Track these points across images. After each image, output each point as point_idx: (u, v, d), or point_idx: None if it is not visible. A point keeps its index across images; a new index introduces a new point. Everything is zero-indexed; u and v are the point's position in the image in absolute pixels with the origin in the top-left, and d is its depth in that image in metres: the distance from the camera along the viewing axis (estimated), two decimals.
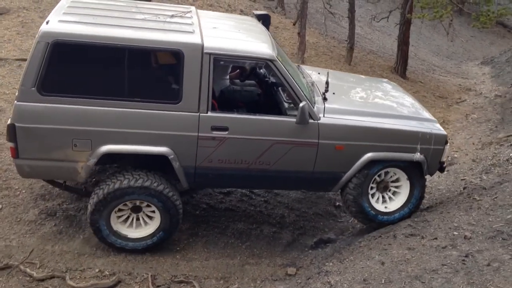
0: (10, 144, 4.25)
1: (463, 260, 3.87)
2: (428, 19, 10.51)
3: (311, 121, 4.54)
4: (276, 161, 4.62)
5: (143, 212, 4.67)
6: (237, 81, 5.52)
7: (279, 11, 16.49)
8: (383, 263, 4.16)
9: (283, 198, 6.09)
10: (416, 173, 5.06)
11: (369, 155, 4.76)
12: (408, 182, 5.10)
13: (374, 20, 12.56)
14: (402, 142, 4.84)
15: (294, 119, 4.49)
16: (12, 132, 4.18)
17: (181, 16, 4.80)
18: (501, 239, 4.11)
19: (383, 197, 5.18)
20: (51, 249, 4.72)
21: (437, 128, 5.08)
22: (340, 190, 5.07)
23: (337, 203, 6.36)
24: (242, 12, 13.07)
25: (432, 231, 4.56)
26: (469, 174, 6.85)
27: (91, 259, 4.66)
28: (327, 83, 4.86)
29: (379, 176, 5.03)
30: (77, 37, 4.10)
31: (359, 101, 5.25)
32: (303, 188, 5.29)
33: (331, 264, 4.53)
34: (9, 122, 4.21)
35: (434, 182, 7.23)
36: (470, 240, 4.20)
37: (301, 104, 4.41)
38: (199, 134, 4.41)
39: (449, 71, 15.26)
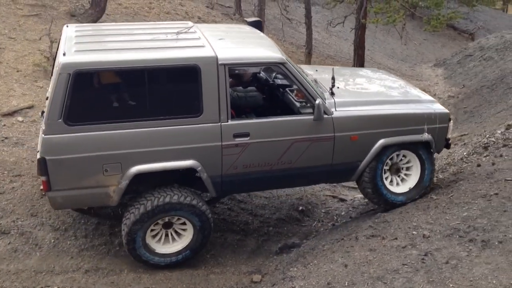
0: (42, 178, 4.27)
1: (423, 259, 3.96)
2: (382, 23, 10.80)
3: (325, 116, 4.75)
4: (297, 159, 4.81)
5: (173, 229, 4.74)
6: (239, 88, 5.62)
7: (237, 17, 16.55)
8: (346, 266, 4.21)
9: (246, 205, 6.08)
10: (424, 153, 5.24)
11: (382, 141, 4.98)
12: (418, 162, 5.28)
13: (330, 25, 12.80)
14: (410, 125, 5.07)
15: (309, 117, 4.72)
16: (43, 165, 4.19)
17: (186, 32, 4.97)
18: (458, 236, 4.23)
19: (396, 179, 5.37)
20: (6, 268, 4.53)
21: (439, 108, 5.33)
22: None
23: (300, 208, 6.41)
24: (200, 19, 13.03)
25: (392, 232, 4.65)
26: None
27: (49, 276, 4.51)
28: (333, 78, 5.04)
29: (391, 159, 5.23)
30: (97, 65, 4.20)
31: (363, 92, 5.45)
32: (324, 181, 5.47)
33: (295, 269, 4.55)
34: (38, 156, 4.22)
35: None
36: (429, 238, 4.31)
37: (317, 102, 4.65)
38: (223, 143, 4.56)
39: (404, 74, 15.71)
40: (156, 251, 4.68)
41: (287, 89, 5.20)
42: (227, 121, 4.54)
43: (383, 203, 5.37)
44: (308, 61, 12.49)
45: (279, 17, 13.99)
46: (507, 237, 4.05)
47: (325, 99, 4.88)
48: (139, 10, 11.77)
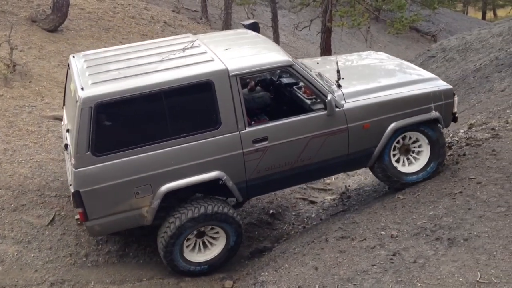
0: (78, 210, 4.40)
1: (391, 259, 4.00)
2: (347, 27, 10.93)
3: (337, 109, 4.87)
4: (315, 154, 4.96)
5: (206, 238, 4.91)
6: (245, 90, 5.64)
7: (203, 21, 16.50)
8: (316, 268, 4.22)
9: None
10: (430, 130, 5.28)
11: (393, 125, 5.08)
12: (427, 141, 5.33)
13: (296, 29, 12.87)
14: (418, 105, 5.15)
15: (321, 113, 4.85)
16: (78, 198, 4.34)
17: (191, 47, 5.07)
18: (425, 235, 4.30)
19: (407, 159, 5.40)
20: None
21: (443, 85, 5.39)
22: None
23: (271, 211, 6.40)
24: (166, 24, 12.92)
25: (361, 232, 4.69)
26: None
27: None
28: (338, 71, 5.08)
29: (397, 142, 5.28)
30: (116, 94, 4.33)
31: (367, 79, 5.50)
32: (343, 171, 5.69)
33: (266, 273, 4.53)
34: (72, 190, 4.36)
35: (362, 183, 7.48)
36: (397, 238, 4.36)
37: (328, 98, 4.78)
38: (244, 150, 4.71)
39: None
40: (195, 260, 4.84)
41: (294, 87, 5.36)
42: (245, 129, 4.69)
43: (396, 184, 5.42)
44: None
45: (242, 21, 13.99)
46: (472, 234, 4.14)
47: (333, 93, 4.98)
48: (103, 15, 11.56)
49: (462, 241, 4.08)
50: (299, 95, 5.24)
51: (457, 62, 14.06)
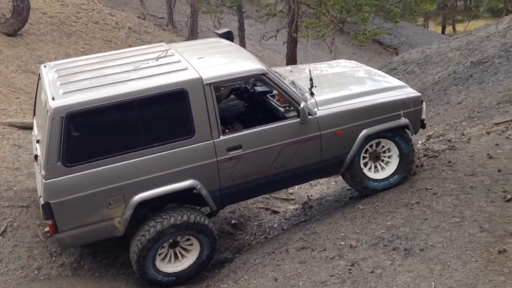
0: (48, 222, 4.31)
1: (350, 270, 4.04)
2: (312, 38, 11.07)
3: (310, 117, 4.93)
4: (288, 162, 5.01)
5: (179, 247, 4.86)
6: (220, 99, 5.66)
7: (170, 29, 16.40)
8: (276, 280, 4.21)
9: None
10: (399, 137, 5.39)
11: (364, 132, 5.18)
12: (398, 153, 5.44)
13: (263, 38, 12.95)
14: (388, 112, 5.28)
15: (295, 121, 4.91)
16: (48, 210, 4.25)
17: (165, 56, 5.04)
18: (382, 245, 4.36)
19: (376, 166, 5.50)
20: None
21: (411, 92, 5.54)
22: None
23: (233, 221, 6.36)
24: (130, 30, 12.76)
25: (321, 243, 4.71)
26: None
27: None
28: (311, 79, 5.17)
29: (370, 147, 5.38)
30: (87, 104, 4.27)
31: (339, 87, 5.59)
32: (316, 178, 5.70)
33: (226, 285, 4.49)
34: (42, 202, 4.28)
35: (324, 193, 7.54)
36: (356, 248, 4.41)
37: (301, 106, 4.84)
38: (218, 158, 4.71)
39: None
40: (165, 271, 4.78)
41: (268, 95, 5.40)
42: (219, 137, 4.70)
43: (365, 190, 5.50)
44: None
45: (213, 29, 13.98)
46: (428, 244, 4.23)
47: (306, 100, 5.04)
48: (65, 19, 11.31)
49: (418, 251, 4.16)
50: (273, 103, 5.29)
51: (417, 75, 14.46)
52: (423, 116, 5.60)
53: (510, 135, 6.19)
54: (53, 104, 4.22)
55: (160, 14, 18.07)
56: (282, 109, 5.10)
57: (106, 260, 5.07)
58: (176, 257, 4.87)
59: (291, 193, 7.86)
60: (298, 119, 4.89)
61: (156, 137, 4.51)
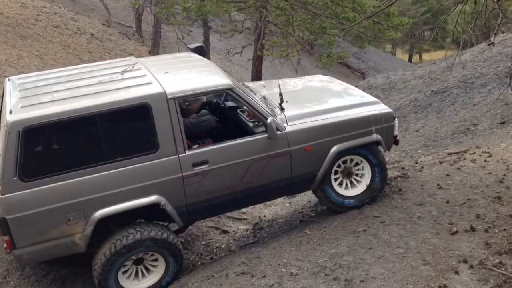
0: (5, 238, 4.19)
1: None
2: (276, 56, 11.03)
3: (278, 132, 4.85)
4: (257, 177, 4.90)
5: (144, 265, 4.72)
6: (193, 114, 5.59)
7: (136, 38, 16.12)
8: None
9: None
10: (371, 155, 5.32)
11: (335, 148, 5.09)
12: (370, 170, 5.36)
13: (228, 54, 12.84)
14: (359, 128, 5.21)
15: (263, 136, 4.82)
16: (4, 226, 4.14)
17: (131, 70, 4.97)
18: (323, 274, 4.20)
19: (349, 182, 5.41)
20: None
21: (383, 108, 5.48)
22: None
23: (180, 240, 6.09)
24: (92, 36, 12.42)
25: (262, 268, 4.52)
26: (307, 206, 7.10)
27: None
28: (280, 95, 5.15)
29: (343, 162, 5.31)
30: (46, 118, 4.16)
31: (311, 102, 5.51)
32: (287, 194, 5.64)
33: None
34: None
35: (276, 214, 7.38)
36: (296, 277, 4.23)
37: (268, 121, 4.75)
38: (183, 174, 4.61)
39: None
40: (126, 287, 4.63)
41: (238, 110, 5.34)
42: (185, 152, 4.62)
43: (335, 206, 5.38)
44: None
45: (185, 43, 13.79)
46: (369, 276, 4.10)
47: (276, 116, 4.97)
48: (23, 21, 10.89)
49: (358, 282, 4.02)
50: (243, 118, 5.22)
51: (381, 100, 14.64)
52: (396, 132, 5.56)
53: (461, 166, 6.20)
54: (10, 118, 4.13)
55: (128, 23, 17.78)
56: (251, 124, 5.02)
57: (34, 277, 4.73)
58: (143, 273, 4.73)
59: (244, 213, 7.69)
60: (266, 135, 4.81)
61: (119, 152, 4.42)
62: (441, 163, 6.51)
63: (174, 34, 16.28)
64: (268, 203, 7.96)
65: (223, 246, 6.41)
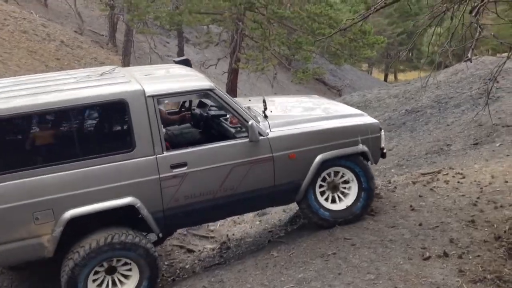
0: None
1: None
2: (251, 70, 10.85)
3: (261, 138, 4.75)
4: (239, 184, 4.73)
5: (117, 274, 4.43)
6: (174, 126, 5.56)
7: (110, 47, 15.76)
8: None
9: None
10: (360, 167, 5.19)
11: (320, 157, 4.96)
12: (355, 180, 5.22)
13: (203, 66, 12.61)
14: (344, 137, 5.10)
15: (245, 140, 4.70)
16: None
17: (110, 73, 4.87)
18: None
19: (334, 197, 5.25)
20: None
21: (369, 120, 5.41)
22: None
23: None
24: (62, 43, 12.02)
25: None
26: (277, 225, 6.85)
27: None
28: (264, 101, 5.08)
29: (328, 175, 5.16)
30: (14, 110, 4.00)
31: (296, 114, 5.47)
32: (271, 204, 5.39)
33: None
34: None
35: (245, 233, 7.11)
36: None
37: (249, 122, 4.63)
38: (160, 175, 4.43)
39: None
40: None
41: (221, 118, 5.24)
42: (162, 153, 4.44)
43: (322, 222, 5.17)
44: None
45: (149, 51, 13.51)
46: None
47: (258, 122, 4.88)
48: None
49: None
50: (224, 124, 5.13)
51: None
52: (383, 144, 5.45)
53: (434, 187, 6.05)
54: None
55: (103, 31, 17.42)
56: (233, 130, 4.92)
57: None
58: (114, 284, 4.43)
59: (211, 230, 7.40)
60: (248, 139, 4.69)
61: (93, 149, 4.25)
62: (414, 183, 6.36)
63: (149, 44, 16.01)
64: (238, 220, 7.70)
65: (187, 266, 6.10)
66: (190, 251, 6.55)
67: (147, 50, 16.35)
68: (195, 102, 6.08)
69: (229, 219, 7.69)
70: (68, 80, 4.65)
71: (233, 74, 12.58)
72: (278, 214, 7.47)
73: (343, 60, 16.61)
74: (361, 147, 5.17)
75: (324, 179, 5.20)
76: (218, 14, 11.13)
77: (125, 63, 10.12)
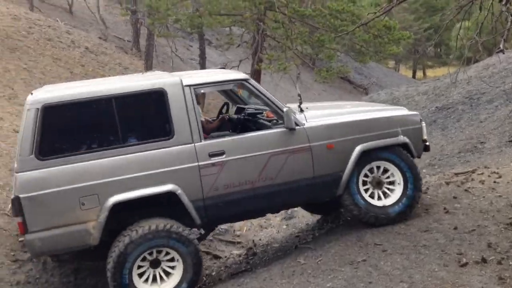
0: (18, 220, 4.16)
1: None
2: (273, 70, 10.68)
3: (297, 127, 4.78)
4: (278, 174, 4.73)
5: (161, 268, 4.47)
6: (214, 133, 5.58)
7: (134, 52, 15.86)
8: None
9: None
10: (404, 162, 5.06)
11: (359, 148, 4.90)
12: (399, 173, 5.06)
13: (225, 68, 12.52)
14: (384, 128, 5.04)
15: (281, 129, 4.76)
16: (17, 205, 4.11)
17: (152, 73, 5.25)
18: None
19: (380, 193, 5.10)
20: None
21: (408, 112, 5.35)
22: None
23: None
24: (87, 50, 12.11)
25: None
26: (304, 230, 6.67)
27: None
28: (299, 95, 5.18)
29: (370, 171, 5.06)
30: (64, 98, 4.31)
31: (333, 109, 5.43)
32: (312, 198, 5.25)
33: None
34: (12, 196, 4.17)
35: (272, 238, 6.97)
36: None
37: (284, 109, 4.69)
38: (199, 163, 4.52)
39: None
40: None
41: (258, 115, 5.33)
42: (201, 141, 4.57)
43: (367, 219, 5.00)
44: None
45: (170, 55, 13.48)
46: None
47: (294, 113, 4.87)
48: (13, 34, 10.59)
49: None
50: (261, 120, 5.20)
51: None
52: (425, 136, 5.28)
53: (469, 187, 5.75)
54: (30, 97, 4.29)
55: (127, 37, 17.55)
56: (269, 123, 4.98)
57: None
58: (161, 278, 4.45)
59: (238, 235, 7.30)
60: (284, 128, 4.73)
61: (134, 136, 4.44)
62: (447, 184, 6.07)
63: (170, 48, 16.04)
64: (264, 224, 7.58)
65: (213, 273, 6.02)
66: (216, 257, 6.48)
67: (170, 54, 16.38)
68: (232, 110, 6.19)
69: (255, 223, 7.58)
70: (111, 78, 5.20)
71: (255, 75, 12.43)
72: (305, 218, 7.28)
73: (368, 58, 16.29)
74: (402, 138, 5.04)
75: (367, 174, 5.07)
76: (238, 15, 11.01)
77: (147, 67, 10.13)
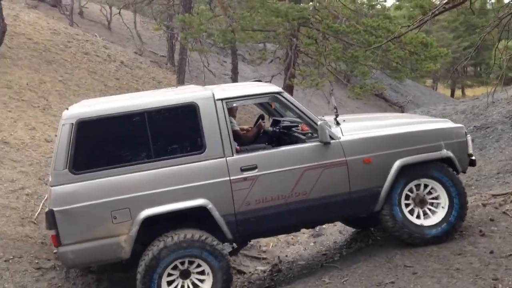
0: (51, 233, 4.24)
1: None
2: (305, 86, 10.57)
3: (333, 141, 4.67)
4: (312, 189, 4.63)
5: (191, 280, 4.45)
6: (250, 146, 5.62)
7: (168, 66, 16.11)
8: None
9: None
10: (448, 178, 4.84)
11: (398, 162, 4.72)
12: (444, 190, 4.85)
13: (260, 80, 12.53)
14: (426, 142, 4.83)
15: (316, 143, 4.66)
16: (51, 218, 4.19)
17: (186, 87, 5.35)
18: None
19: (424, 211, 4.90)
20: None
21: (453, 124, 5.13)
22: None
23: None
24: (122, 64, 12.37)
25: None
26: (332, 248, 6.47)
27: None
28: (335, 108, 5.08)
29: (410, 191, 4.85)
30: (98, 113, 4.39)
31: (371, 122, 5.32)
32: (348, 214, 5.07)
33: None
34: (47, 209, 4.26)
35: (299, 255, 6.80)
36: None
37: (319, 123, 4.61)
38: (231, 178, 4.48)
39: None
40: None
41: (292, 128, 5.31)
42: (232, 155, 4.53)
43: (412, 239, 4.80)
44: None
45: (202, 69, 13.60)
46: None
47: (330, 127, 4.78)
48: (52, 47, 10.91)
49: None
50: (296, 133, 5.17)
51: None
52: (470, 151, 5.02)
53: (507, 210, 5.44)
54: (66, 112, 4.40)
55: (163, 52, 17.89)
56: (304, 137, 4.92)
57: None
58: None
59: (264, 251, 7.16)
60: (319, 142, 4.63)
61: (166, 150, 4.45)
62: (484, 205, 5.80)
63: (206, 62, 16.20)
64: (291, 241, 7.42)
65: None
66: (240, 272, 6.38)
67: (202, 69, 16.58)
68: (268, 123, 6.15)
69: (282, 239, 7.43)
70: (146, 93, 5.34)
71: (288, 90, 12.35)
72: (333, 235, 7.08)
73: (404, 75, 15.95)
74: (445, 152, 4.81)
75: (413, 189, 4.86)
76: (272, 31, 11.02)
77: (180, 81, 10.23)
